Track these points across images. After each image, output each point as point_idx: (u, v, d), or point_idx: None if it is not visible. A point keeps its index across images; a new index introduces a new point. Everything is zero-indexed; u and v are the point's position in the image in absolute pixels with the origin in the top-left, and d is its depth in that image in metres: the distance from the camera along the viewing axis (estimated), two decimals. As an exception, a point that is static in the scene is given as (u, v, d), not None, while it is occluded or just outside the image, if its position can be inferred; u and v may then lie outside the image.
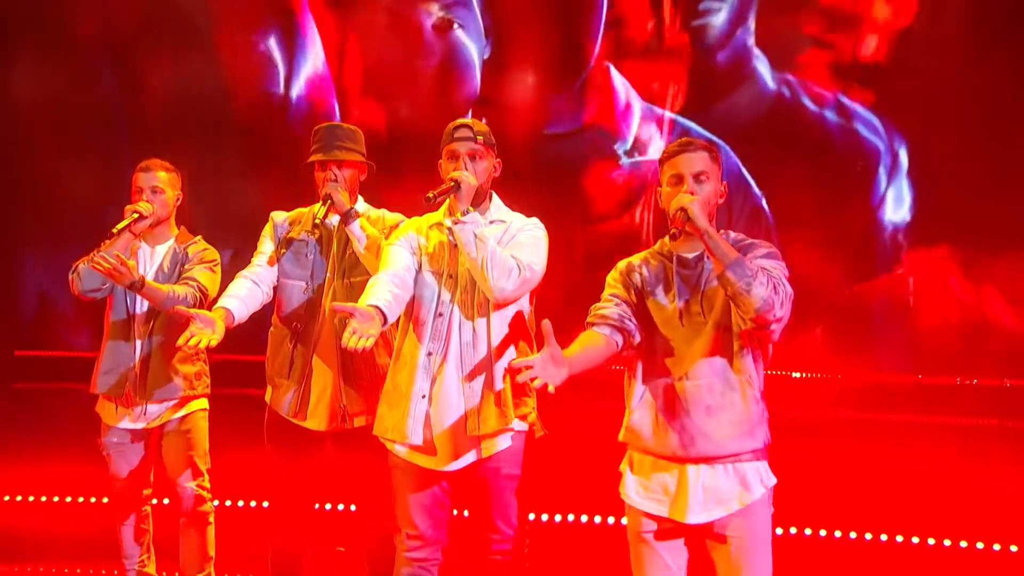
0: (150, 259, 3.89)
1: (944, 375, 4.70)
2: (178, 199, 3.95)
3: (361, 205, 3.58)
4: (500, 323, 3.06)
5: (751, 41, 4.92)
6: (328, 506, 4.99)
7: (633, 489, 2.78)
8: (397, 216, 3.56)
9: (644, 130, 4.99)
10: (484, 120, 3.22)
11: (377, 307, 2.79)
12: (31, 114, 5.57)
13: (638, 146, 5.01)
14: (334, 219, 3.51)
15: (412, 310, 3.09)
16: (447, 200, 3.09)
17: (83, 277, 3.75)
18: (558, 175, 5.02)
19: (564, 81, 5.14)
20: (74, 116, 5.53)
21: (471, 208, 3.00)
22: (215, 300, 3.61)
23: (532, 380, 2.47)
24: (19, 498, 5.20)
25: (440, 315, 3.06)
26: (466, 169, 3.06)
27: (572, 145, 5.11)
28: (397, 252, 3.09)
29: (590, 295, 2.80)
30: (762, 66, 4.88)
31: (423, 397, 3.01)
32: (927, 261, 4.77)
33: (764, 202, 4.88)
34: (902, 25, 4.72)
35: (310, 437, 3.58)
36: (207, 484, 4.00)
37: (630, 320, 2.72)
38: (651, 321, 2.79)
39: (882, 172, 4.84)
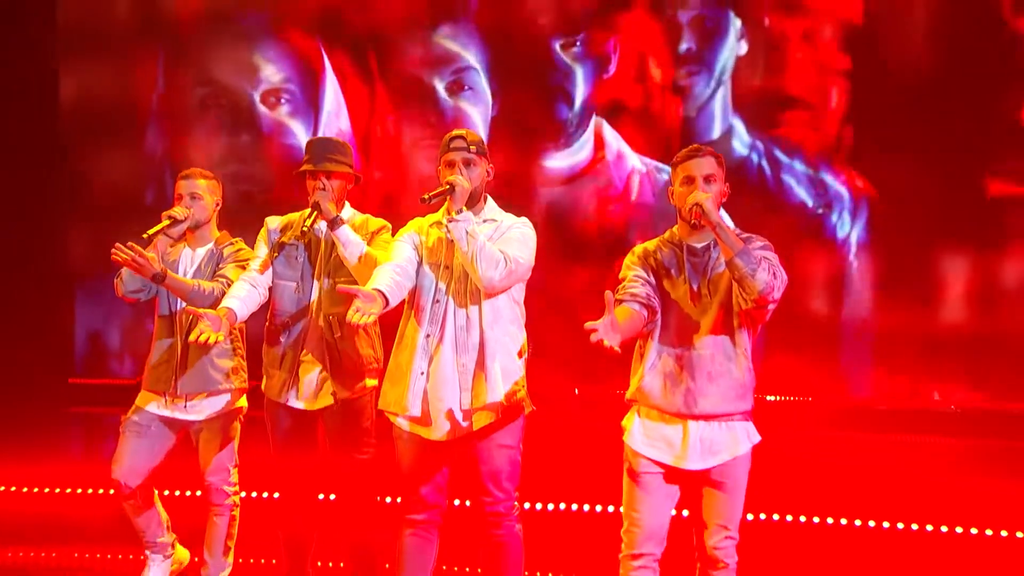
0: (191, 261, 4.07)
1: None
2: (217, 204, 4.13)
3: (347, 211, 3.80)
4: (491, 310, 3.36)
5: (728, 101, 5.48)
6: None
7: (639, 439, 3.18)
8: (380, 222, 3.83)
9: (632, 177, 5.50)
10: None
11: (379, 290, 3.09)
12: (86, 156, 6.09)
13: (627, 191, 5.50)
14: (322, 225, 3.72)
15: (413, 298, 3.39)
16: (446, 201, 3.35)
17: (125, 280, 3.97)
18: (557, 217, 5.49)
19: (562, 135, 5.65)
20: (126, 168, 6.04)
21: (464, 208, 3.29)
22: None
23: (601, 341, 2.77)
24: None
25: (437, 302, 3.37)
26: (460, 175, 3.36)
27: (568, 190, 5.62)
28: (401, 246, 3.40)
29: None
30: (737, 122, 5.44)
31: (421, 374, 3.31)
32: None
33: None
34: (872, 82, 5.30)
35: (301, 418, 3.82)
36: (235, 479, 4.17)
37: (654, 298, 3.11)
38: (667, 299, 3.18)
39: (846, 217, 5.35)
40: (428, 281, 3.39)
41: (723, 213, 3.25)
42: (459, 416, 3.32)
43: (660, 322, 3.17)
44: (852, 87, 5.34)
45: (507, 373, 3.38)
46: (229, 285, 3.83)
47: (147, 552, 4.16)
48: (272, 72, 5.98)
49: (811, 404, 5.33)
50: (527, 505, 4.63)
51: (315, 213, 3.66)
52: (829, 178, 5.39)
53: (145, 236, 3.86)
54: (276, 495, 4.07)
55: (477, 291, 3.34)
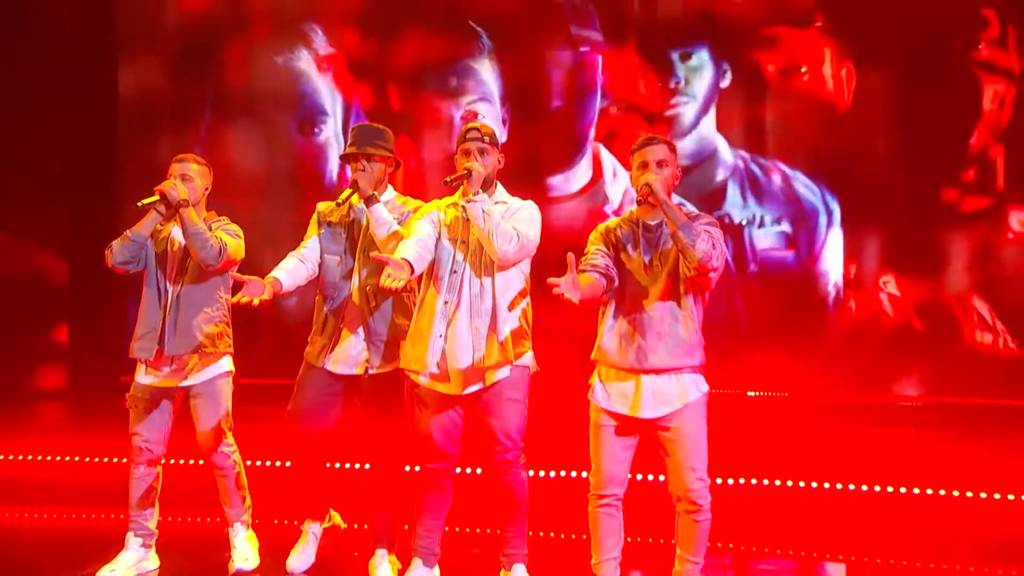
0: (181, 237, 4.15)
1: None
2: (207, 189, 4.23)
3: (389, 192, 4.03)
4: (503, 281, 3.69)
5: (713, 126, 6.02)
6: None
7: (600, 394, 3.53)
8: (418, 202, 4.06)
9: (627, 195, 6.03)
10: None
11: (406, 259, 3.41)
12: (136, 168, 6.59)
13: (622, 207, 6.02)
14: (362, 205, 3.95)
15: (433, 268, 3.70)
16: (462, 185, 3.68)
17: (115, 251, 4.09)
18: (558, 230, 5.90)
19: (566, 158, 6.19)
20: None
21: (480, 191, 3.63)
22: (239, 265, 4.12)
23: (562, 294, 3.13)
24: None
25: (454, 272, 3.69)
26: (476, 161, 3.68)
27: (570, 207, 6.15)
28: (421, 224, 3.69)
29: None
30: (721, 144, 5.99)
31: (440, 336, 3.63)
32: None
33: (729, 254, 5.87)
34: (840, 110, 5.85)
35: (334, 378, 4.01)
36: (231, 440, 4.23)
37: (612, 269, 3.46)
38: (623, 269, 3.52)
39: (821, 223, 5.86)
40: (446, 254, 3.72)
41: (676, 197, 3.56)
42: (473, 373, 3.65)
43: (617, 290, 3.52)
44: (830, 117, 5.85)
45: (516, 336, 3.72)
46: (221, 240, 4.01)
47: (128, 535, 4.17)
48: (310, 103, 6.55)
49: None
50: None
51: (352, 191, 3.90)
52: (804, 190, 5.88)
53: (139, 205, 4.02)
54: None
55: (490, 263, 3.67)
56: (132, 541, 4.15)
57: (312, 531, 4.18)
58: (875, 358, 5.70)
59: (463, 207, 3.68)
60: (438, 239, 3.75)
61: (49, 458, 6.06)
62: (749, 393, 5.74)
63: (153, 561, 4.22)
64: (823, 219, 5.86)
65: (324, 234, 4.10)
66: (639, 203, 3.48)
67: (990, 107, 5.64)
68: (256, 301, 3.65)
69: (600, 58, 6.19)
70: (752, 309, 5.84)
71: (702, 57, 6.03)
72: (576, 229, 5.94)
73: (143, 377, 4.17)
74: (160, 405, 4.17)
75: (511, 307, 3.71)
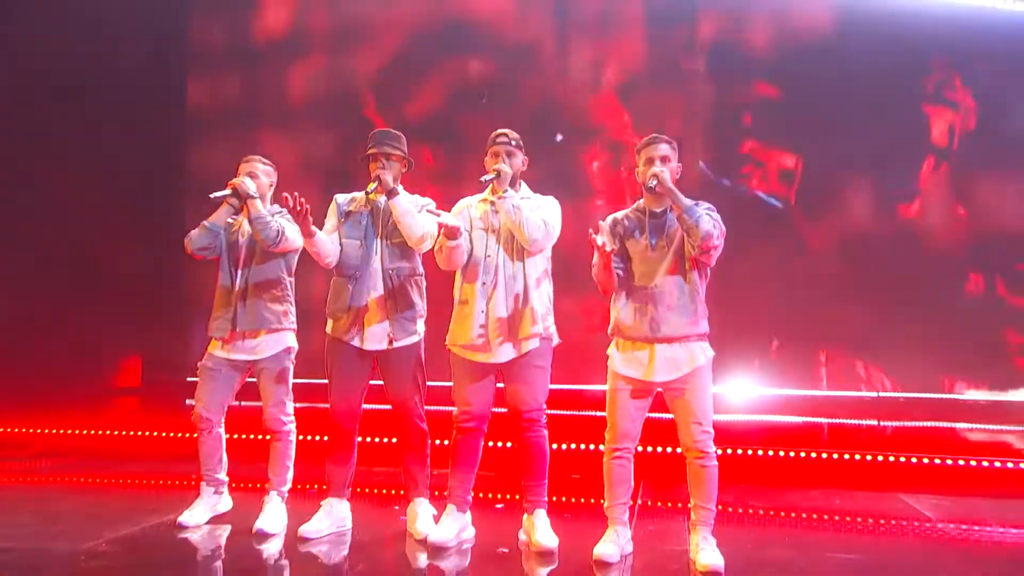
0: (246, 229, 4.61)
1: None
2: (272, 185, 4.66)
3: (404, 192, 4.36)
4: (532, 265, 4.15)
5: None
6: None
7: (618, 361, 3.99)
8: (427, 199, 4.44)
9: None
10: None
11: (458, 226, 4.04)
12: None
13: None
14: (382, 198, 4.36)
15: (471, 257, 4.17)
16: (491, 183, 4.15)
17: (193, 239, 4.53)
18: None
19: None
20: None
21: (509, 188, 4.12)
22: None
23: (603, 244, 3.71)
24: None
25: (489, 257, 4.15)
26: (504, 163, 4.13)
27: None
28: (457, 217, 4.18)
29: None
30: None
31: (482, 312, 4.11)
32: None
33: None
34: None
35: (362, 354, 4.39)
36: (290, 410, 4.63)
37: (619, 265, 3.97)
38: (632, 252, 3.97)
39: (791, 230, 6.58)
40: (480, 243, 4.20)
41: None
42: (510, 344, 4.14)
43: (627, 271, 4.00)
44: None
45: (545, 311, 4.21)
46: (280, 225, 4.45)
47: (202, 484, 4.66)
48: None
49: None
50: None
51: (377, 184, 4.29)
52: (775, 202, 6.60)
53: (212, 196, 4.49)
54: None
55: (520, 250, 4.13)
56: (206, 490, 4.67)
57: (331, 504, 4.50)
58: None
59: (493, 203, 4.19)
60: (471, 231, 4.23)
61: (127, 432, 6.90)
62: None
63: (226, 503, 4.75)
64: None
65: (345, 223, 4.45)
66: (647, 192, 3.98)
67: (939, 140, 6.40)
68: (304, 212, 4.11)
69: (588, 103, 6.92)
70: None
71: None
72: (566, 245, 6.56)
73: (217, 351, 4.61)
74: (228, 377, 4.61)
75: (539, 287, 4.21)
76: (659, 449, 5.73)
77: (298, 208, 4.12)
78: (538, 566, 4.04)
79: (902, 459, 5.93)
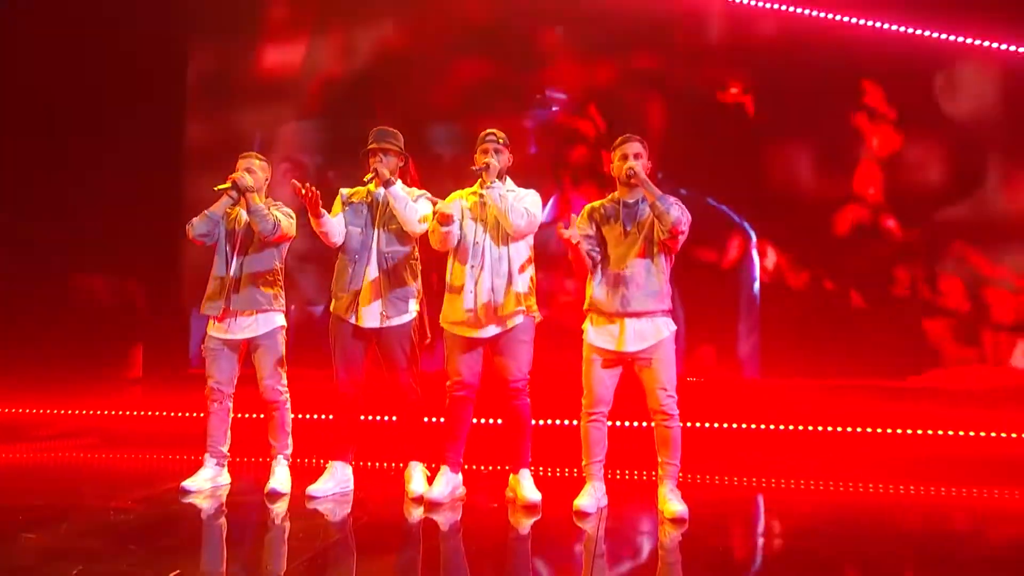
0: (244, 218, 4.92)
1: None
2: (267, 180, 4.98)
3: (399, 184, 4.73)
4: (515, 250, 4.54)
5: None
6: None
7: (592, 334, 4.40)
8: (421, 191, 4.82)
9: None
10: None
11: (452, 214, 4.43)
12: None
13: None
14: (380, 190, 4.71)
15: (460, 242, 4.56)
16: (480, 176, 4.51)
17: (195, 226, 4.83)
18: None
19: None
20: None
21: (496, 180, 4.51)
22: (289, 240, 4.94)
23: (570, 237, 4.10)
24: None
25: (477, 243, 4.54)
26: (492, 158, 4.52)
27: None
28: (452, 204, 4.54)
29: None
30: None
31: (470, 292, 4.50)
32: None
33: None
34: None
35: (359, 332, 4.74)
36: (284, 381, 4.93)
37: (595, 240, 4.42)
38: (607, 237, 4.38)
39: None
40: (470, 230, 4.61)
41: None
42: (497, 320, 4.54)
43: (602, 254, 4.43)
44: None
45: (527, 291, 4.60)
46: (276, 217, 4.78)
47: (206, 455, 4.94)
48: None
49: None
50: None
51: (374, 176, 4.66)
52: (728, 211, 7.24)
53: (215, 189, 4.82)
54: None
55: (505, 236, 4.53)
56: (209, 461, 4.99)
57: (336, 467, 4.88)
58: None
59: (482, 194, 4.59)
60: (462, 220, 4.64)
61: (134, 412, 7.40)
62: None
63: (226, 478, 5.07)
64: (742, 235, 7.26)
65: (347, 211, 4.83)
66: (622, 184, 4.42)
67: (869, 153, 7.17)
68: (313, 199, 4.50)
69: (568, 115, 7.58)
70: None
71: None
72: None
73: (215, 332, 4.95)
74: (228, 354, 4.95)
75: (522, 270, 4.61)
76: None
77: (308, 195, 4.53)
78: (524, 518, 4.46)
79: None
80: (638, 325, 4.35)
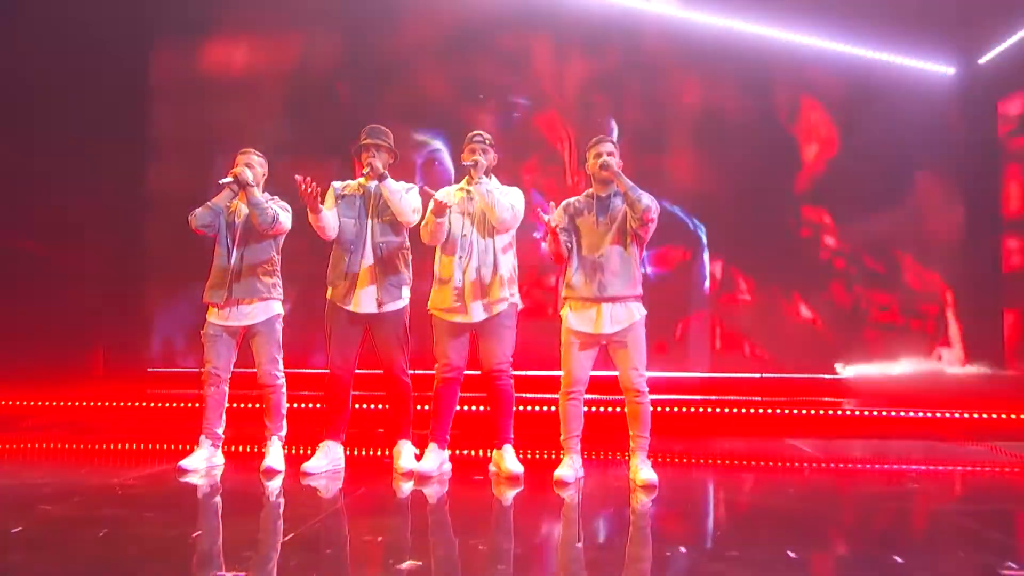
0: (243, 210, 5.09)
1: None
2: (264, 175, 5.16)
3: (390, 178, 4.94)
4: (500, 241, 4.84)
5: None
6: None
7: (571, 319, 4.71)
8: (411, 184, 5.06)
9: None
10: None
11: (448, 203, 4.71)
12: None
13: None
14: (373, 183, 4.94)
15: (449, 235, 4.83)
16: (469, 172, 4.81)
17: (198, 216, 5.00)
18: None
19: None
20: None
21: (484, 176, 4.83)
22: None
23: (550, 220, 4.46)
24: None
25: (464, 235, 4.83)
26: (480, 156, 4.83)
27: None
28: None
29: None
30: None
31: (459, 281, 4.78)
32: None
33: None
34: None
35: (355, 319, 4.96)
36: (280, 368, 5.12)
37: (570, 231, 4.74)
38: (582, 228, 4.70)
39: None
40: (458, 223, 4.90)
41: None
42: (483, 306, 4.84)
43: (577, 244, 4.76)
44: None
45: (510, 280, 4.92)
46: (274, 211, 4.99)
47: (202, 437, 5.09)
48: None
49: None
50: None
51: (369, 170, 4.91)
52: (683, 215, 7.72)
53: (220, 183, 5.01)
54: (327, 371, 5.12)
55: (491, 229, 4.83)
56: (204, 442, 5.16)
57: (328, 446, 5.12)
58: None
59: (468, 190, 4.90)
60: (450, 212, 4.90)
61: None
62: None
63: (220, 459, 5.25)
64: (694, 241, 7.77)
65: (340, 204, 5.03)
66: (596, 180, 4.77)
67: (808, 161, 7.76)
68: (314, 195, 4.73)
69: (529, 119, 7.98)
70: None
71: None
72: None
73: (214, 319, 5.13)
74: (227, 340, 5.14)
75: (505, 261, 4.94)
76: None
77: (308, 189, 4.79)
78: (507, 489, 4.79)
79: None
80: (614, 310, 4.68)
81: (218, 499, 4.80)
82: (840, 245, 7.80)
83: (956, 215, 7.87)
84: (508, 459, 5.01)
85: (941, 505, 4.95)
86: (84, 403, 7.47)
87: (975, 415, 6.87)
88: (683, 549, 3.53)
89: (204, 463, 5.16)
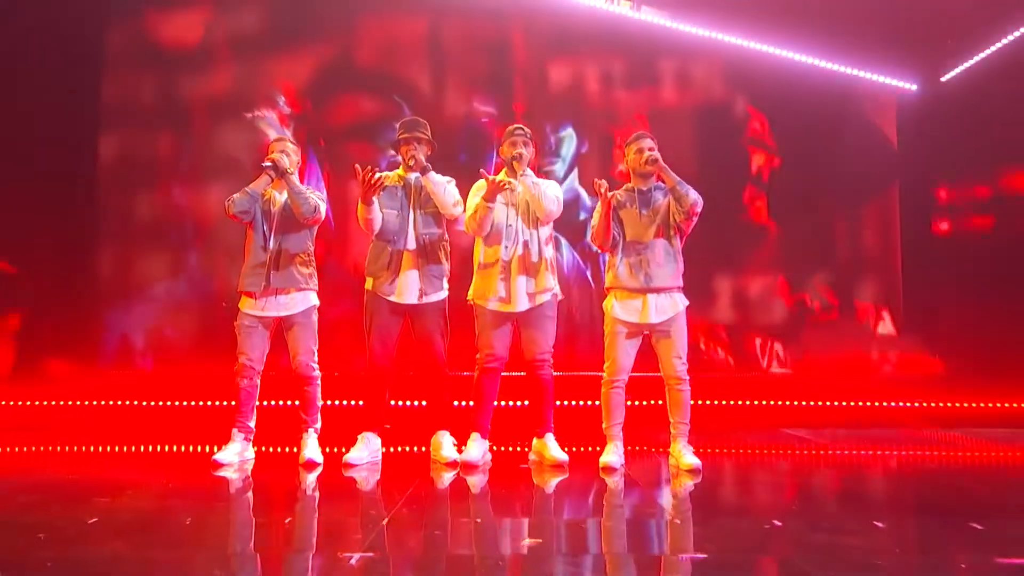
0: (279, 198, 5.04)
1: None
2: (298, 163, 5.13)
3: (434, 172, 4.97)
4: (544, 232, 4.89)
5: (576, 179, 7.93)
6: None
7: (617, 309, 4.78)
8: (449, 179, 5.04)
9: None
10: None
11: (504, 182, 4.69)
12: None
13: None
14: (414, 175, 4.99)
15: (494, 225, 4.84)
16: (512, 164, 4.84)
17: (236, 202, 4.89)
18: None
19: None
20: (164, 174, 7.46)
21: (528, 168, 4.85)
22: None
23: (602, 185, 4.49)
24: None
25: (510, 226, 4.86)
26: (524, 149, 4.85)
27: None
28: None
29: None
30: (582, 192, 7.91)
31: (505, 270, 4.81)
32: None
33: (588, 272, 7.79)
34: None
35: (396, 309, 4.96)
36: (316, 360, 5.03)
37: (614, 223, 4.76)
38: (625, 221, 4.77)
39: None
40: (502, 213, 4.92)
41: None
42: (528, 296, 4.87)
43: (623, 235, 4.84)
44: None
45: (553, 271, 4.96)
46: (313, 199, 4.93)
47: (234, 430, 4.98)
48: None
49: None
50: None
51: (412, 163, 4.95)
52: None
53: (263, 166, 4.95)
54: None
55: (535, 219, 4.87)
56: (237, 436, 5.01)
57: (368, 438, 5.06)
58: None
59: (509, 182, 4.86)
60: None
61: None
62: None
63: (251, 452, 5.11)
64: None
65: (382, 196, 4.97)
66: (636, 174, 4.89)
67: (755, 171, 8.13)
68: (380, 184, 4.73)
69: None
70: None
71: (568, 131, 7.97)
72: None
73: (249, 309, 5.00)
74: (262, 332, 5.01)
75: (549, 252, 4.99)
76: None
77: (371, 179, 4.73)
78: (551, 477, 4.75)
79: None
80: (659, 300, 4.80)
81: (291, 490, 4.60)
82: (783, 254, 8.15)
83: (894, 231, 8.31)
84: (551, 447, 5.03)
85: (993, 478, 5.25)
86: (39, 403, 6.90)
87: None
88: (778, 522, 3.61)
89: (236, 457, 4.98)
